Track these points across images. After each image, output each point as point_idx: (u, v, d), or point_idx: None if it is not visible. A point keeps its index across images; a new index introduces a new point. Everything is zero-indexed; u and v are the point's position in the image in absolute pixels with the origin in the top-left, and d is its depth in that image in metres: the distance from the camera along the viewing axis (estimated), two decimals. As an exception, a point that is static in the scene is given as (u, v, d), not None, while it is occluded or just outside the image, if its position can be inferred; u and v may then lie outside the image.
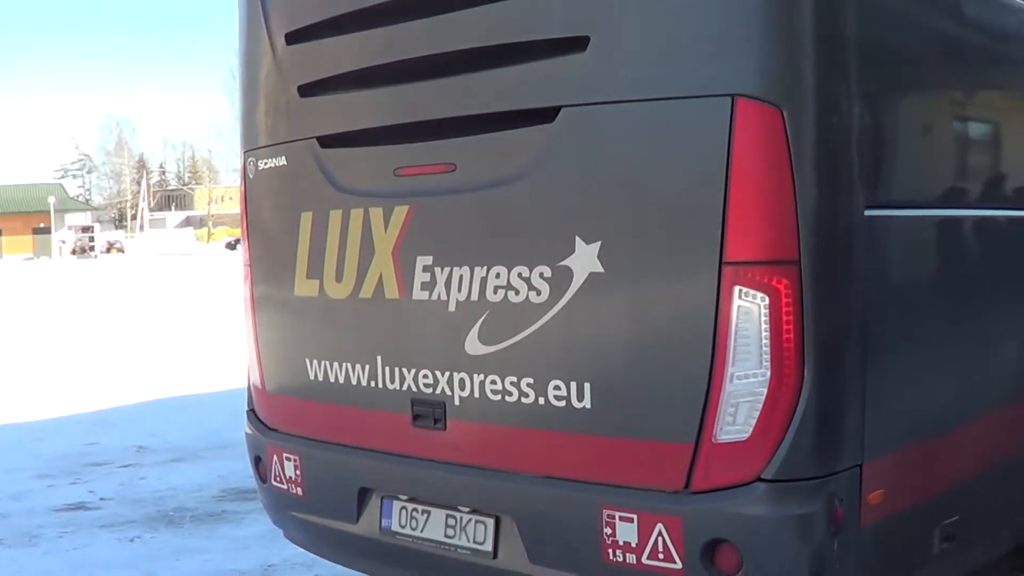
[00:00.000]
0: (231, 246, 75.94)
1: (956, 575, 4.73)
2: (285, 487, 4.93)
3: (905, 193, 4.01)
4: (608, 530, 3.73)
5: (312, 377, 4.73)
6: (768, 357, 3.46)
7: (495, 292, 3.99)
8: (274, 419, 5.05)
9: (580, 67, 3.75)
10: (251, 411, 5.26)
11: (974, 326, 4.52)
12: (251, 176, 5.04)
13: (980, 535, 4.59)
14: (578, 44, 3.73)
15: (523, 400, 3.94)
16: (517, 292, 3.92)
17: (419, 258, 4.23)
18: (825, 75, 3.52)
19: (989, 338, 4.66)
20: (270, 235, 5.04)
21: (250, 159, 5.04)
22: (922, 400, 4.07)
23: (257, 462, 5.15)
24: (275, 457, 4.96)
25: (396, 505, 4.44)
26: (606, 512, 3.73)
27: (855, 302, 3.64)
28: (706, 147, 3.50)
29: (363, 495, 4.57)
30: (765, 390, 3.47)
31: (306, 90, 4.69)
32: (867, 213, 3.66)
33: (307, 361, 4.74)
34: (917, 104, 4.28)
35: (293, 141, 4.77)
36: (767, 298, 3.45)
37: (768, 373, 3.46)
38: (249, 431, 5.22)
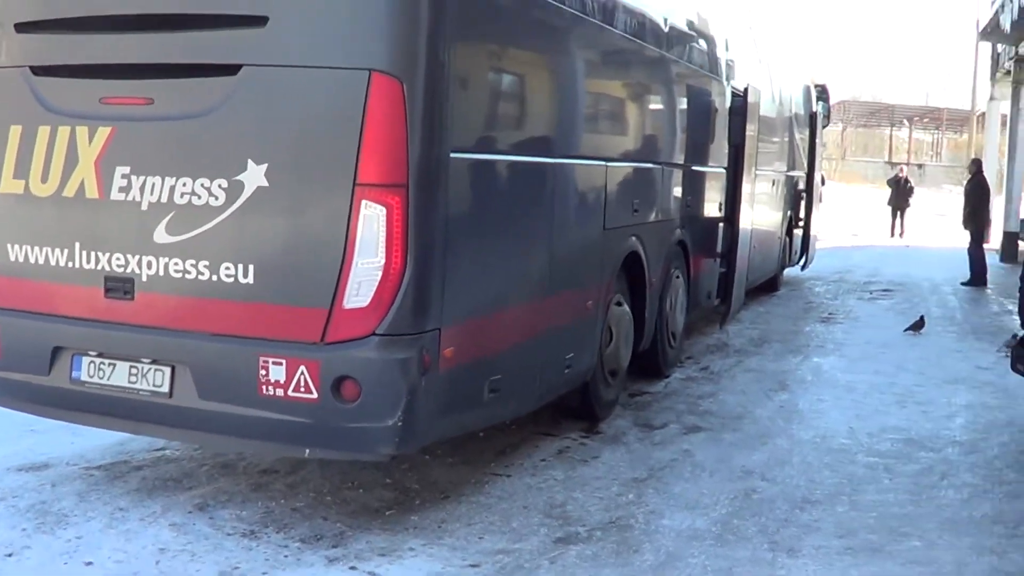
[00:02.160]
0: None
1: (498, 419, 6.95)
2: None
3: (476, 144, 6.04)
4: (263, 372, 5.51)
5: (12, 259, 6.14)
6: (383, 250, 5.34)
7: (181, 196, 5.64)
8: None
9: (260, 37, 5.47)
10: None
11: (518, 240, 6.69)
12: None
13: (516, 391, 6.77)
14: (259, 21, 5.45)
15: (199, 277, 5.63)
16: (199, 197, 5.59)
17: (118, 168, 5.78)
18: (430, 60, 5.42)
19: (527, 249, 6.84)
20: None
21: None
22: (481, 289, 6.14)
23: None
24: None
25: (85, 360, 5.98)
26: (262, 358, 5.51)
27: (441, 216, 5.59)
28: (349, 103, 5.32)
29: (56, 353, 6.06)
30: (380, 273, 5.36)
31: (23, 28, 6.06)
32: (452, 155, 5.63)
33: (9, 245, 6.14)
34: (490, 82, 6.35)
35: (7, 67, 6.12)
36: (384, 209, 5.33)
37: (383, 261, 5.35)
38: None
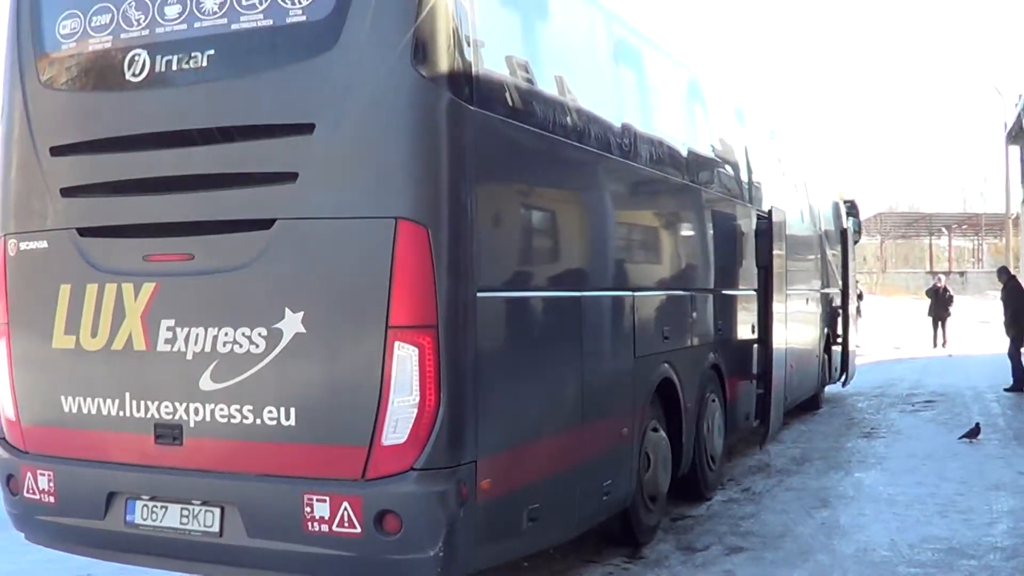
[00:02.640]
0: None
1: (538, 547, 7.14)
2: (37, 497, 6.62)
3: (501, 282, 6.37)
4: (308, 509, 5.77)
5: (67, 410, 6.47)
6: (417, 388, 5.64)
7: (224, 345, 5.98)
8: (29, 444, 6.71)
9: (291, 192, 5.85)
10: (2, 439, 6.90)
11: (549, 372, 6.96)
12: (11, 254, 6.73)
13: (555, 519, 6.98)
14: (289, 177, 5.84)
15: (244, 421, 5.94)
16: (241, 345, 5.93)
17: (163, 320, 6.14)
18: (453, 204, 5.77)
19: (559, 380, 7.12)
20: (30, 301, 6.70)
21: (11, 240, 6.73)
22: (514, 421, 6.42)
23: (9, 479, 6.78)
24: (29, 474, 6.64)
25: (139, 504, 6.28)
26: (306, 496, 5.78)
27: (471, 353, 5.88)
28: (378, 250, 5.66)
29: (111, 498, 6.36)
30: (415, 410, 5.66)
31: (68, 192, 6.49)
32: (478, 295, 5.95)
33: (63, 398, 6.48)
34: (513, 220, 6.70)
35: (55, 230, 6.54)
36: (416, 350, 5.65)
37: (417, 399, 5.65)
38: (2, 455, 6.86)
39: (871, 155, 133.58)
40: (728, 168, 11.54)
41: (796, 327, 14.09)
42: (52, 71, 6.69)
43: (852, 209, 20.32)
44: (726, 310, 11.14)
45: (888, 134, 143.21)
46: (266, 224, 5.92)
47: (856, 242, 21.07)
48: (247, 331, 5.94)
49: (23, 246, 6.70)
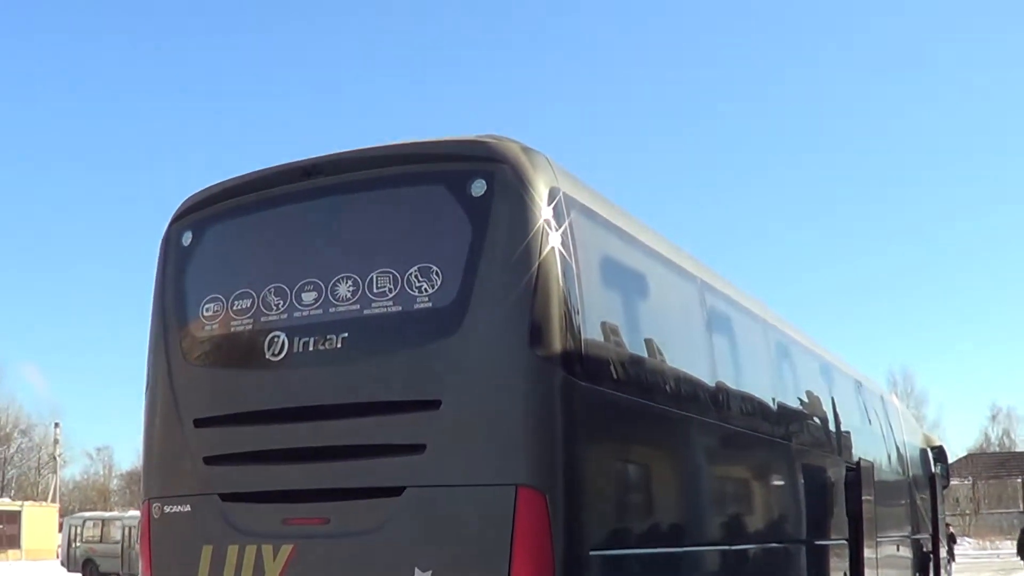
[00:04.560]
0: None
1: None
2: None
3: (611, 541, 6.80)
4: None
5: None
6: None
7: None
8: None
9: (420, 462, 6.35)
10: None
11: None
12: (156, 516, 7.27)
13: None
14: (418, 448, 6.37)
15: None
16: None
17: None
18: (568, 476, 6.27)
19: None
20: (172, 560, 7.20)
21: (155, 504, 7.28)
22: None
23: None
24: None
25: None
26: None
27: None
28: (500, 514, 6.13)
29: None
30: None
31: (211, 460, 7.04)
32: (591, 553, 6.41)
33: None
34: (619, 489, 7.17)
35: (199, 495, 7.07)
36: None
37: None
38: None
39: (960, 387, 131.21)
40: (817, 422, 11.96)
41: (886, 573, 14.20)
42: (195, 348, 7.33)
43: (940, 455, 20.48)
44: (817, 559, 11.39)
45: (975, 366, 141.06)
46: (396, 491, 6.39)
47: (945, 487, 21.15)
48: None
49: (167, 509, 7.22)
